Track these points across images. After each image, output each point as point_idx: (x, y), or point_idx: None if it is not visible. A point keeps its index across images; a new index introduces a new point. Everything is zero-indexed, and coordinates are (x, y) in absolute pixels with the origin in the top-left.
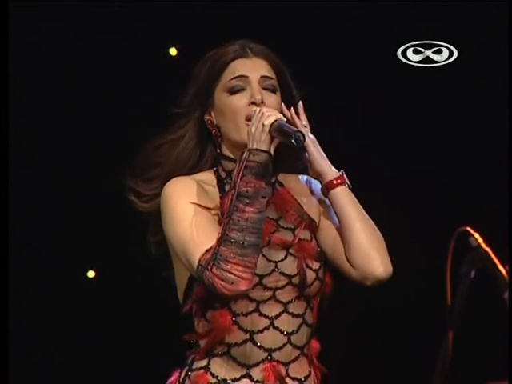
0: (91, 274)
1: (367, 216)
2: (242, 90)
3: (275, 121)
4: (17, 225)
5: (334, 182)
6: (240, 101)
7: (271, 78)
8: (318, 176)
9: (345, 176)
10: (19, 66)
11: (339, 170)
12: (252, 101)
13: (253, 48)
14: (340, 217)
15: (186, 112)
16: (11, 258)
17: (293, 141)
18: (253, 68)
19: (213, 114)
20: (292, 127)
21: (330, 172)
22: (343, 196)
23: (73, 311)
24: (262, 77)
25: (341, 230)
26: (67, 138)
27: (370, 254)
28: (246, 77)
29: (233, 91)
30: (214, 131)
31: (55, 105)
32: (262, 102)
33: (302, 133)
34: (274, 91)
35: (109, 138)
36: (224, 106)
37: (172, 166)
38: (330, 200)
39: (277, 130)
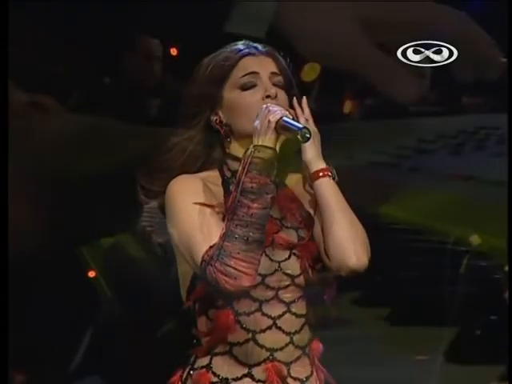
0: (91, 273)
1: (348, 208)
2: (254, 86)
3: (281, 117)
4: (16, 224)
5: (320, 173)
6: (254, 96)
7: (279, 75)
8: (307, 166)
9: (332, 169)
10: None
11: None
12: (267, 94)
13: (258, 47)
14: (321, 208)
15: (196, 112)
16: (11, 258)
17: (299, 137)
18: (262, 65)
19: (220, 113)
20: (298, 124)
21: (318, 163)
22: (326, 187)
23: (73, 311)
24: (272, 73)
25: (322, 222)
26: (67, 137)
27: (344, 244)
28: (257, 73)
29: (245, 87)
30: (223, 130)
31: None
32: (276, 96)
33: (308, 129)
34: (282, 87)
35: (107, 138)
36: (237, 103)
37: (183, 168)
38: (314, 191)
39: (283, 126)
